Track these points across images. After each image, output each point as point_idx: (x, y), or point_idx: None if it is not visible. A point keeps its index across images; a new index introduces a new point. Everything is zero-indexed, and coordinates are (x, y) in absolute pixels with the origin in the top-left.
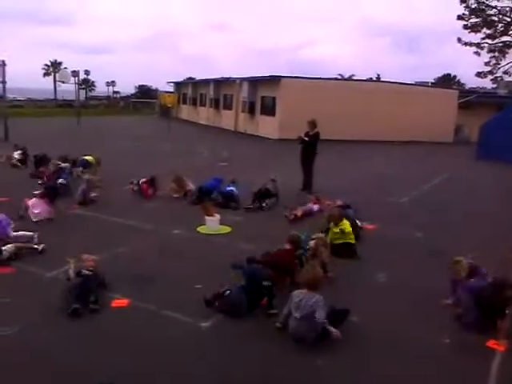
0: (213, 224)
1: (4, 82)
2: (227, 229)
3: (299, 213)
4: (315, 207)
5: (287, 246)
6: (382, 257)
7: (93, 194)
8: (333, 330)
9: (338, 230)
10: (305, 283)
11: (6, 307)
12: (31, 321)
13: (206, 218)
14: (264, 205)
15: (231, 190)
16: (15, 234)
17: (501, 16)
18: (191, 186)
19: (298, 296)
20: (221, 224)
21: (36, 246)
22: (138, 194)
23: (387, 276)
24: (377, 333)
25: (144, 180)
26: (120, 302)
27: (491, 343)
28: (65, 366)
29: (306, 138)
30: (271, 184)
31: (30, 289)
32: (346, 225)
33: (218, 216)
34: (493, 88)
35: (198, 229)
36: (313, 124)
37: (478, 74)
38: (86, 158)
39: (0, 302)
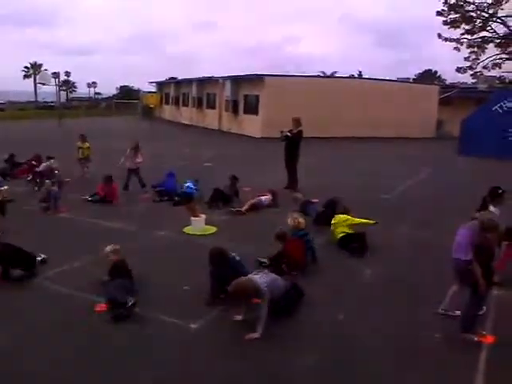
0: (198, 224)
1: None
2: (213, 229)
3: (245, 207)
4: (264, 199)
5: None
6: (368, 253)
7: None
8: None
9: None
10: None
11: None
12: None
13: (192, 218)
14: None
15: (190, 190)
16: None
17: (479, 12)
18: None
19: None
20: (206, 224)
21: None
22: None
23: (374, 272)
24: (363, 330)
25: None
26: (104, 306)
27: (479, 336)
28: (51, 373)
29: (289, 134)
30: (230, 183)
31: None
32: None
33: (203, 216)
34: (473, 83)
35: (184, 230)
36: (297, 122)
37: (458, 70)
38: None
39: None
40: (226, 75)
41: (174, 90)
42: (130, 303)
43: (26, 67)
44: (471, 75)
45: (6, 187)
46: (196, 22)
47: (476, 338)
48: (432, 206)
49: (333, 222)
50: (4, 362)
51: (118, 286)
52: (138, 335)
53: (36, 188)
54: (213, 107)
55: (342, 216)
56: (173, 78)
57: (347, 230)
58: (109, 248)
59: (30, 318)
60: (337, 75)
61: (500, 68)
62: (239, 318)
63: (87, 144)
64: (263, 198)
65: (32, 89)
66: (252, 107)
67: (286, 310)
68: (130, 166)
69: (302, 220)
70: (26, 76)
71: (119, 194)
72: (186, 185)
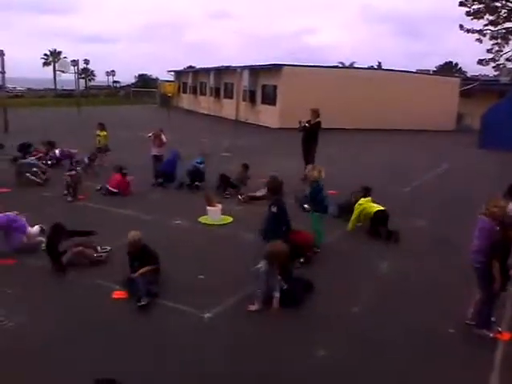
0: (214, 214)
1: (3, 72)
2: (228, 219)
3: (246, 196)
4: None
5: None
6: (384, 246)
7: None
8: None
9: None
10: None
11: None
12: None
13: (208, 208)
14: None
15: (196, 166)
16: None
17: (504, 1)
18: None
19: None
20: (222, 214)
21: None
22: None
23: (389, 266)
24: (377, 324)
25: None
26: (121, 293)
27: (495, 333)
28: (64, 359)
29: (307, 124)
30: (241, 170)
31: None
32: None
33: (219, 206)
34: (495, 75)
35: (200, 219)
36: (316, 113)
37: (480, 62)
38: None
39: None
40: (244, 65)
41: (191, 79)
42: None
43: (45, 55)
44: (493, 67)
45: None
46: (214, 10)
47: (491, 335)
48: (451, 199)
49: (359, 204)
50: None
51: (145, 283)
52: (151, 323)
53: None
54: (230, 97)
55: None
56: (191, 66)
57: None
58: (135, 233)
59: (50, 303)
60: (355, 66)
61: None
62: (254, 308)
63: (105, 132)
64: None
65: (51, 76)
66: (270, 97)
67: (293, 302)
68: (155, 152)
69: (323, 173)
70: (45, 63)
71: (131, 186)
72: (193, 162)
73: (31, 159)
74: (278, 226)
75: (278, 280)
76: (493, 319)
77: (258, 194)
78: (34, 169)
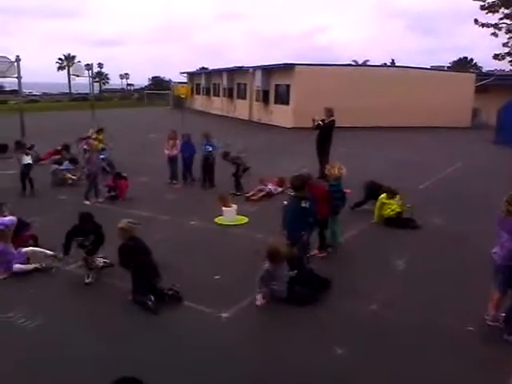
0: (230, 215)
1: (19, 77)
2: (244, 219)
3: (255, 196)
4: (273, 188)
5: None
6: (401, 244)
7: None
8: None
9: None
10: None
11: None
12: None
13: (223, 208)
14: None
15: (209, 148)
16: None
17: None
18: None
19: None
20: (237, 214)
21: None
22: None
23: (406, 263)
24: (396, 322)
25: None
26: None
27: None
28: (80, 359)
29: (321, 123)
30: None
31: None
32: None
33: (234, 206)
34: (511, 70)
35: (215, 220)
36: (329, 111)
37: (496, 56)
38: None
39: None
40: (257, 65)
41: (204, 80)
42: (150, 303)
43: (59, 59)
44: (510, 62)
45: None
46: (225, 10)
47: None
48: (467, 197)
49: (381, 198)
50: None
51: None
52: (169, 323)
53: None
54: (243, 97)
55: (383, 196)
56: (204, 68)
57: (398, 209)
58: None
59: (65, 304)
60: (369, 63)
61: None
62: (259, 302)
63: (100, 136)
64: (271, 186)
65: (66, 80)
66: (283, 97)
67: (310, 299)
68: (170, 153)
69: (344, 170)
70: (59, 68)
71: (127, 190)
72: (207, 146)
73: (66, 164)
74: (305, 221)
75: (285, 275)
76: None
77: (259, 189)
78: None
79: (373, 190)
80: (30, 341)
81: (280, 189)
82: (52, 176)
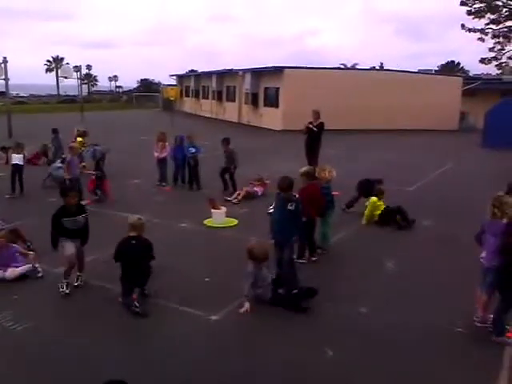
0: (219, 217)
1: (6, 79)
2: (233, 221)
3: (240, 196)
4: (258, 190)
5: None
6: (390, 245)
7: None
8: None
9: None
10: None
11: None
12: (45, 317)
13: (212, 211)
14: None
15: (192, 150)
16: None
17: (505, 0)
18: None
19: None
20: (227, 217)
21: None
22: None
23: (396, 265)
24: (386, 324)
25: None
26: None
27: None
28: (71, 362)
29: (315, 129)
30: (223, 145)
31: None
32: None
33: (224, 209)
34: (497, 74)
35: (205, 222)
36: (317, 114)
37: (482, 61)
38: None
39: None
40: (246, 68)
41: (194, 82)
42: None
43: (48, 61)
44: (496, 66)
45: None
46: (215, 13)
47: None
48: (455, 199)
49: (367, 203)
50: (38, 348)
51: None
52: (158, 326)
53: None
54: (233, 100)
55: (375, 199)
56: (193, 70)
57: (378, 211)
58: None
59: (57, 307)
60: (358, 67)
61: None
62: (243, 309)
63: (79, 139)
64: (256, 188)
65: (54, 82)
66: (272, 100)
67: (293, 305)
68: (159, 155)
69: (334, 173)
70: (48, 70)
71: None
72: (190, 148)
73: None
74: (294, 223)
75: (267, 275)
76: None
77: (249, 189)
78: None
79: (367, 188)
80: (17, 343)
81: (262, 189)
82: (50, 177)
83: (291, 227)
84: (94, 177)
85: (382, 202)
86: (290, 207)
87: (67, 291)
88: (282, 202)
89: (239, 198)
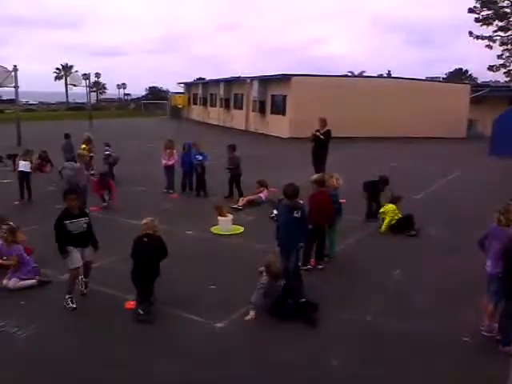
0: (225, 224)
1: (16, 87)
2: (240, 229)
3: (241, 202)
4: (262, 195)
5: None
6: (396, 254)
7: None
8: None
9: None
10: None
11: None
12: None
13: (219, 218)
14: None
15: (199, 158)
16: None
17: None
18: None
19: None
20: (233, 224)
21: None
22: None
23: (402, 273)
24: (391, 333)
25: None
26: (133, 303)
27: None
28: (75, 367)
29: (322, 137)
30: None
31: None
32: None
33: (230, 216)
34: (506, 81)
35: (211, 229)
36: (324, 121)
37: (491, 68)
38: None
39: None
40: (253, 75)
41: (201, 90)
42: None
43: (57, 69)
44: (504, 73)
45: None
46: (223, 22)
47: None
48: (462, 207)
49: (382, 210)
50: (35, 352)
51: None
52: (163, 333)
53: None
54: (240, 108)
55: (390, 206)
56: (201, 78)
57: (396, 217)
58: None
59: (63, 314)
60: (365, 75)
61: None
62: (249, 317)
63: (83, 145)
64: (261, 194)
65: (63, 90)
66: (279, 107)
67: (308, 318)
68: (167, 163)
69: (341, 180)
70: (57, 77)
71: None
72: (196, 156)
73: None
74: (300, 230)
75: (280, 288)
76: None
77: (252, 197)
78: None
79: (373, 189)
80: (21, 350)
81: (265, 194)
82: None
83: (297, 234)
84: (96, 178)
85: (398, 210)
86: (296, 214)
87: (74, 306)
88: (288, 209)
89: (242, 203)
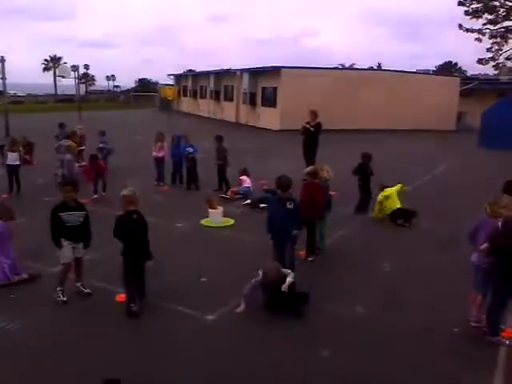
0: (216, 217)
1: (4, 78)
2: (230, 221)
3: (230, 193)
4: (247, 184)
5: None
6: (387, 246)
7: None
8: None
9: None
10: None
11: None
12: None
13: (209, 210)
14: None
15: (190, 150)
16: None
17: (503, 0)
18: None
19: None
20: (224, 216)
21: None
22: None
23: (392, 265)
24: (381, 324)
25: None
26: (123, 296)
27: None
28: (66, 362)
29: (312, 129)
30: (215, 142)
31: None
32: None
33: (221, 208)
34: (495, 74)
35: (202, 222)
36: (315, 114)
37: (480, 61)
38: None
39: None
40: (244, 67)
41: (191, 82)
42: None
43: (45, 60)
44: (493, 66)
45: None
46: (213, 13)
47: (507, 342)
48: (451, 198)
49: (385, 194)
50: (27, 344)
51: (134, 280)
52: (154, 325)
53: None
54: (230, 100)
55: (394, 189)
56: (191, 70)
57: (398, 205)
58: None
59: (54, 307)
60: (355, 67)
61: None
62: (240, 309)
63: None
64: (246, 184)
65: (52, 82)
66: (270, 99)
67: (297, 312)
68: (157, 155)
69: (331, 173)
70: (45, 69)
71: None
72: (187, 148)
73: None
74: (293, 221)
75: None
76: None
77: (235, 189)
78: None
79: (360, 169)
80: (13, 343)
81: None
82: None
83: (291, 225)
84: (86, 164)
85: (398, 199)
86: (289, 206)
87: (64, 299)
88: (281, 201)
89: (230, 194)
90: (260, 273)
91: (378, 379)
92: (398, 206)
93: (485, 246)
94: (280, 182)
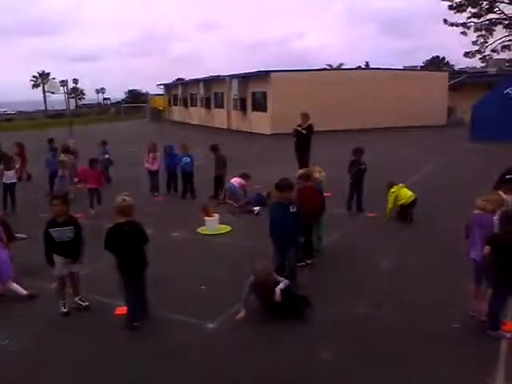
0: (212, 224)
1: None
2: (227, 228)
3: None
4: (237, 185)
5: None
6: (385, 244)
7: None
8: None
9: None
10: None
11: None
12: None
13: (206, 218)
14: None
15: (187, 160)
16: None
17: None
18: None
19: None
20: (220, 224)
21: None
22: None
23: (391, 264)
24: (382, 323)
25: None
26: (123, 309)
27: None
28: (68, 374)
29: (304, 131)
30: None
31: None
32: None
33: (216, 216)
34: (482, 67)
35: (198, 230)
36: (306, 116)
37: (467, 54)
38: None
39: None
40: (233, 73)
41: (181, 91)
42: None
43: (34, 76)
44: (480, 59)
45: None
46: (200, 21)
47: (508, 336)
48: (446, 194)
49: (392, 191)
50: (25, 362)
51: (135, 294)
52: (154, 335)
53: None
54: (221, 106)
55: (406, 191)
56: (180, 79)
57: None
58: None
59: (52, 319)
60: (343, 67)
61: (510, 50)
62: (240, 316)
63: (62, 155)
64: (235, 183)
65: (41, 98)
66: (260, 104)
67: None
68: (150, 167)
69: (324, 174)
70: (34, 85)
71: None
72: (184, 158)
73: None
74: (298, 225)
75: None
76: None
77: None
78: None
79: (351, 164)
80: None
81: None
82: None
83: (295, 229)
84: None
85: (407, 192)
86: (292, 209)
87: (65, 310)
88: (283, 205)
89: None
90: (252, 276)
91: (378, 379)
92: (413, 198)
93: (486, 249)
94: (281, 185)
